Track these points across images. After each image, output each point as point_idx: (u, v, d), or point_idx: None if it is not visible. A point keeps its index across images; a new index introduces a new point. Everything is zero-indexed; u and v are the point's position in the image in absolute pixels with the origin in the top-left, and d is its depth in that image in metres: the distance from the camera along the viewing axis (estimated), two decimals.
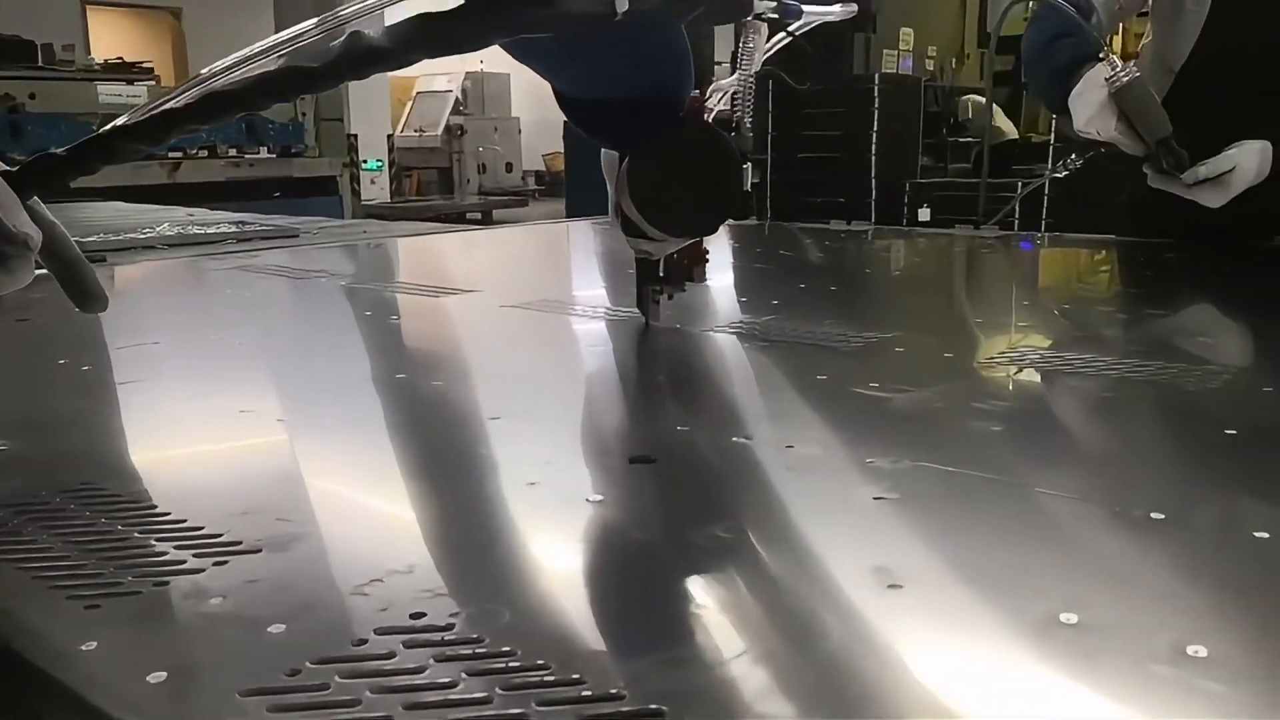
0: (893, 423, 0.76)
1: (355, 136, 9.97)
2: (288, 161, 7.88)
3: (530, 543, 0.55)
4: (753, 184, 0.89)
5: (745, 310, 1.28)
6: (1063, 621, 0.44)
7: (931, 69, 11.04)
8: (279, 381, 0.94)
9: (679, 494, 0.63)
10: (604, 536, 0.56)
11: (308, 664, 0.42)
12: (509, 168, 14.64)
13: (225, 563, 0.52)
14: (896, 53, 10.38)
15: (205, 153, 7.80)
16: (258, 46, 0.66)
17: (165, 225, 2.51)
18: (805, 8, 0.92)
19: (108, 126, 0.63)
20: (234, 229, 2.50)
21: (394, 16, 0.67)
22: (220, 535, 0.55)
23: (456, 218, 13.79)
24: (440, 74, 14.66)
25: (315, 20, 0.68)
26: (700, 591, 0.48)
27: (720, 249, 2.06)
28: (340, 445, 0.74)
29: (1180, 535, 0.54)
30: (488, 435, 0.76)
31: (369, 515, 0.60)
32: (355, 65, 0.65)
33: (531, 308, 1.26)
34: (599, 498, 0.60)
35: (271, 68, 0.64)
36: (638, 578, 0.51)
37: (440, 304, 1.34)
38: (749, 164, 0.90)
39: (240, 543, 0.54)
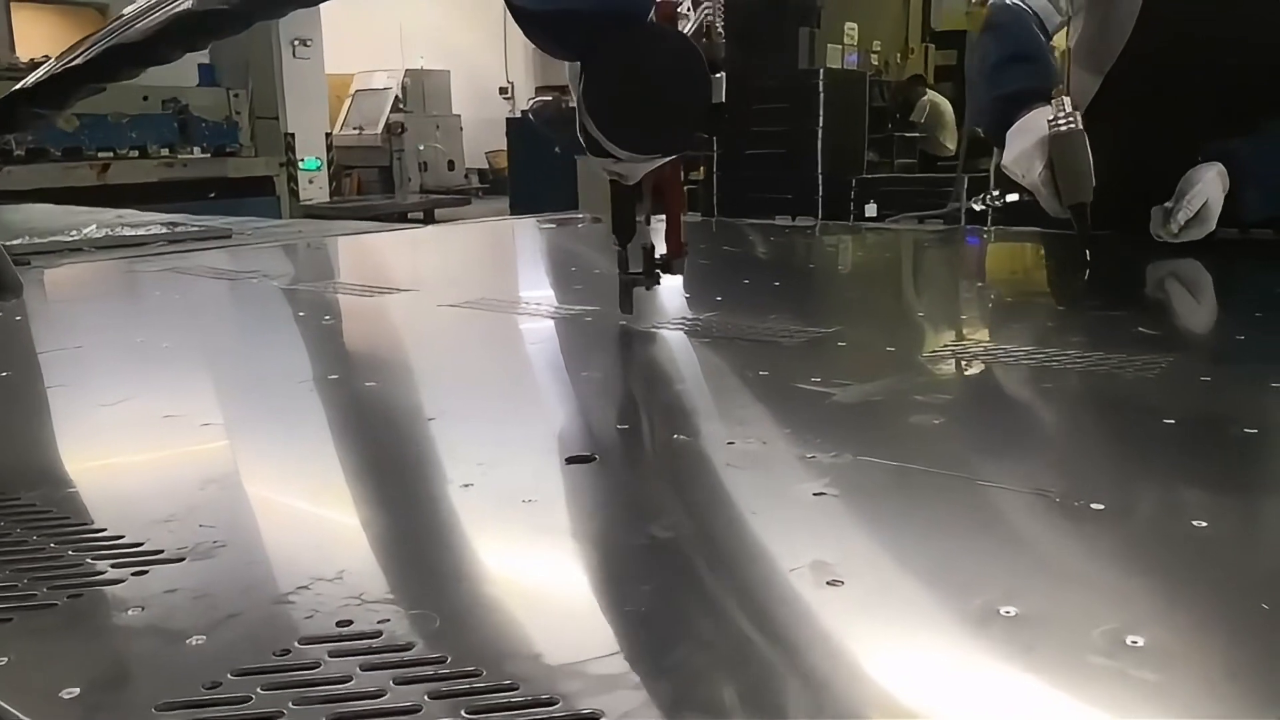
0: (834, 417, 0.75)
1: (292, 135, 9.83)
2: (222, 161, 7.76)
3: (463, 546, 0.54)
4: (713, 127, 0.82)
5: (689, 306, 1.27)
6: (1002, 614, 0.44)
7: (876, 64, 11.14)
8: (207, 385, 0.92)
9: (616, 493, 0.62)
10: (538, 539, 0.54)
11: (229, 675, 0.40)
12: (451, 166, 14.53)
13: (145, 572, 0.50)
14: (841, 47, 10.45)
15: (136, 153, 7.64)
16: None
17: (93, 227, 2.44)
18: None
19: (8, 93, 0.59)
20: (164, 230, 2.44)
21: None
22: (141, 544, 0.53)
23: (398, 217, 13.64)
24: (379, 71, 14.53)
25: None
26: (636, 593, 0.47)
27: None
28: (269, 449, 0.72)
29: (1119, 525, 0.54)
30: (423, 437, 0.74)
31: (297, 520, 0.58)
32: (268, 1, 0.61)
33: (470, 307, 1.24)
34: (534, 499, 0.59)
35: (183, 9, 0.59)
36: (572, 580, 0.50)
37: (376, 304, 1.32)
38: (721, 74, 0.83)
39: (161, 551, 0.52)
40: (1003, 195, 1.80)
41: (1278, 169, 1.59)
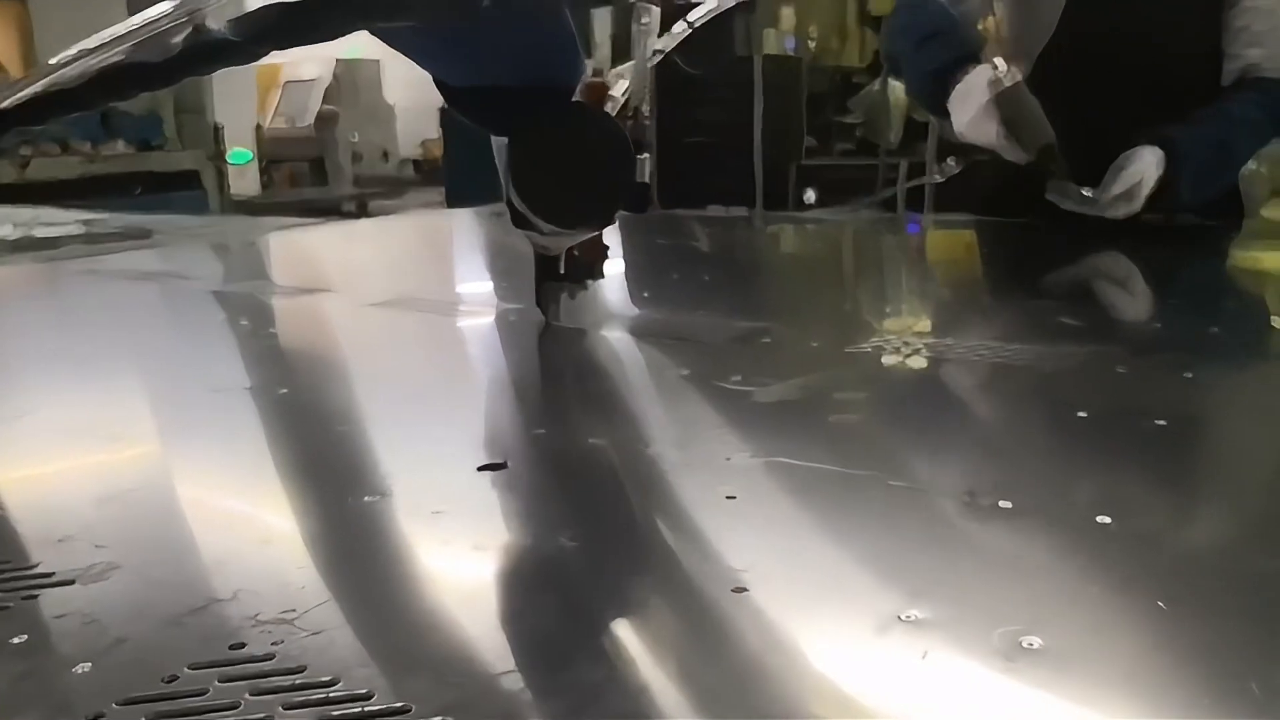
0: (752, 417, 0.75)
1: (221, 127, 9.64)
2: (146, 155, 7.57)
3: (364, 562, 0.53)
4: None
5: (614, 304, 1.26)
6: (903, 619, 0.44)
7: (814, 49, 11.18)
8: (114, 395, 0.89)
9: (527, 501, 0.61)
10: (443, 551, 0.53)
11: (113, 705, 0.39)
12: (385, 156, 14.35)
13: (34, 597, 0.48)
14: (778, 33, 10.49)
15: (58, 148, 7.43)
16: (105, 35, 0.59)
17: (8, 227, 2.38)
18: None
19: None
20: (82, 230, 2.38)
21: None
22: (33, 567, 0.51)
23: (331, 209, 13.44)
24: (309, 61, 14.29)
25: (171, 5, 0.59)
26: (539, 605, 0.46)
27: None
28: (174, 463, 0.70)
29: (1026, 523, 0.54)
30: (333, 447, 0.72)
31: (197, 538, 0.56)
32: (203, 59, 0.59)
33: (395, 306, 1.23)
34: (442, 510, 0.58)
35: (111, 62, 0.58)
36: (475, 593, 0.49)
37: (298, 305, 1.30)
38: (646, 154, 0.85)
39: (53, 574, 0.50)
40: (957, 162, 1.82)
41: (1209, 156, 1.62)
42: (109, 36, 0.59)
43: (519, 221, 0.84)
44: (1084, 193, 1.54)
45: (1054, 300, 1.25)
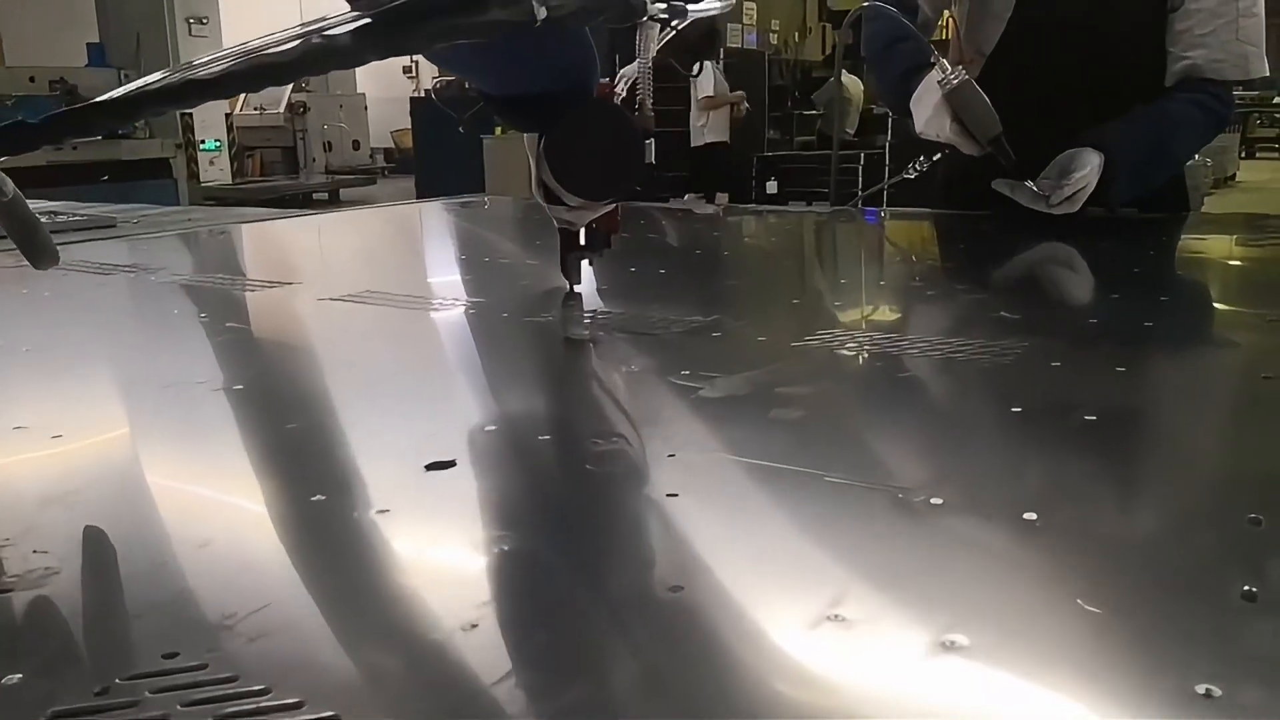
0: (698, 413, 0.76)
1: (190, 115, 9.54)
2: (115, 143, 7.50)
3: (305, 565, 0.53)
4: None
5: (571, 297, 1.27)
6: (831, 618, 0.45)
7: (775, 43, 11.23)
8: (64, 392, 0.89)
9: (472, 500, 0.62)
10: (385, 553, 0.54)
11: (40, 719, 0.39)
12: (356, 145, 14.27)
13: None
14: (741, 27, 10.52)
15: None
16: (238, 47, 0.73)
17: None
18: (690, 7, 1.01)
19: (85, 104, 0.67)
20: (46, 220, 2.35)
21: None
22: None
23: (302, 198, 13.37)
24: None
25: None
26: (477, 607, 0.47)
27: (551, 233, 2.05)
28: (120, 462, 0.70)
29: (955, 521, 0.55)
30: (281, 445, 0.73)
31: (139, 541, 0.56)
32: (316, 61, 0.71)
33: (353, 300, 1.23)
34: (389, 509, 0.58)
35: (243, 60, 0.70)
36: (414, 597, 0.50)
37: (261, 299, 1.29)
38: (651, 139, 1.02)
39: None
40: (926, 161, 1.90)
41: (1146, 155, 1.67)
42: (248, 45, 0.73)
43: (550, 199, 1.02)
44: (1031, 187, 1.60)
45: (997, 293, 1.27)
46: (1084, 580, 0.48)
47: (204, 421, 0.80)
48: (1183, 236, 1.77)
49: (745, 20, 10.58)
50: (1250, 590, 0.46)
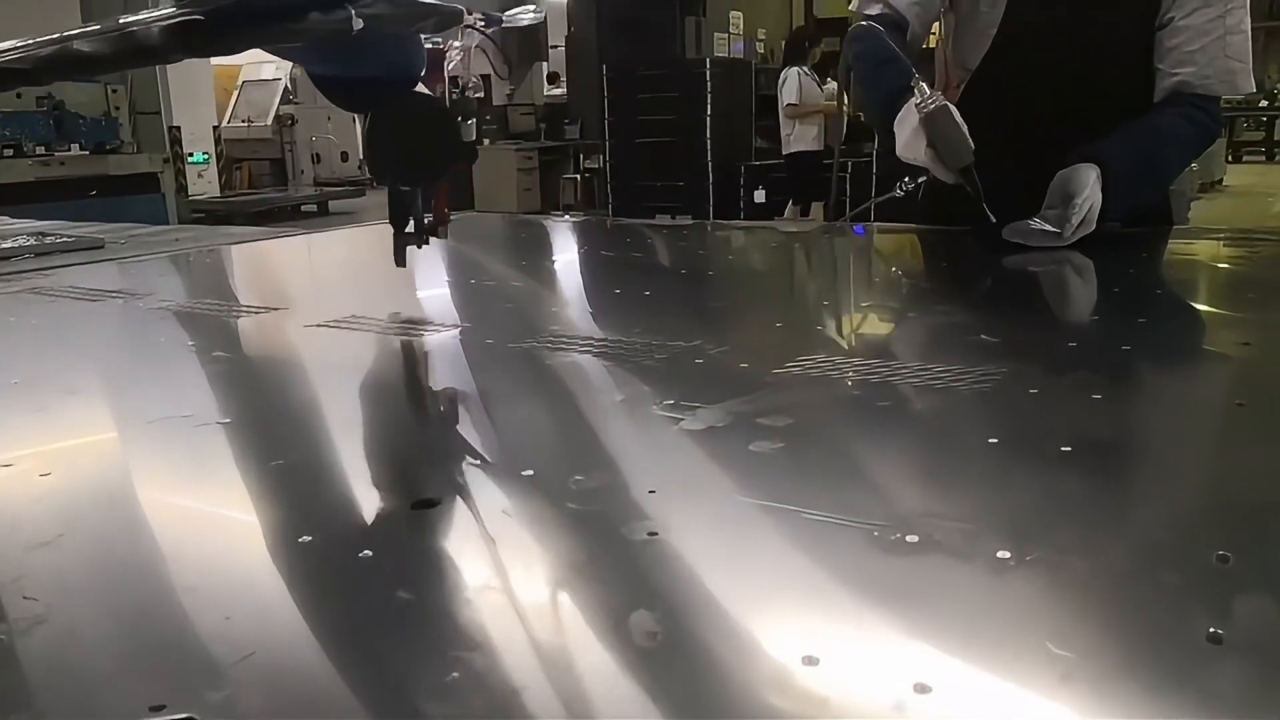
0: (679, 446, 0.77)
1: (178, 129, 9.53)
2: (103, 159, 7.48)
3: (290, 612, 0.54)
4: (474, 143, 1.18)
5: (555, 320, 1.28)
6: (804, 660, 0.46)
7: (762, 51, 11.28)
8: (49, 427, 0.89)
9: (455, 542, 0.63)
10: (369, 599, 0.54)
11: None
12: (344, 156, 14.27)
13: None
14: (727, 36, 10.56)
15: (10, 152, 7.35)
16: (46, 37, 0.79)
17: None
18: (503, 16, 1.18)
19: None
20: (32, 241, 2.36)
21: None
22: None
23: (291, 210, 13.35)
24: (266, 62, 14.18)
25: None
26: (460, 653, 0.48)
27: (538, 252, 2.06)
28: (106, 504, 0.70)
29: (929, 560, 0.56)
30: (267, 484, 0.74)
31: (126, 586, 0.57)
32: (132, 55, 0.81)
33: (339, 326, 1.23)
34: (370, 551, 0.59)
35: (55, 50, 0.77)
36: (399, 648, 0.50)
37: (249, 325, 1.30)
38: (473, 119, 1.19)
39: None
40: (912, 181, 1.93)
41: (1137, 171, 1.68)
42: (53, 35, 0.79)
43: (376, 173, 1.18)
44: (1041, 227, 1.60)
45: (978, 314, 1.28)
46: (1054, 622, 0.49)
47: (191, 459, 0.81)
48: (1164, 253, 1.79)
49: (732, 29, 10.63)
50: (1216, 633, 0.47)
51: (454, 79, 1.19)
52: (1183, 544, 0.58)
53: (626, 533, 0.61)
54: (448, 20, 1.06)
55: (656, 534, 0.60)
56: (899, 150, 1.71)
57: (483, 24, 1.15)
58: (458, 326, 1.25)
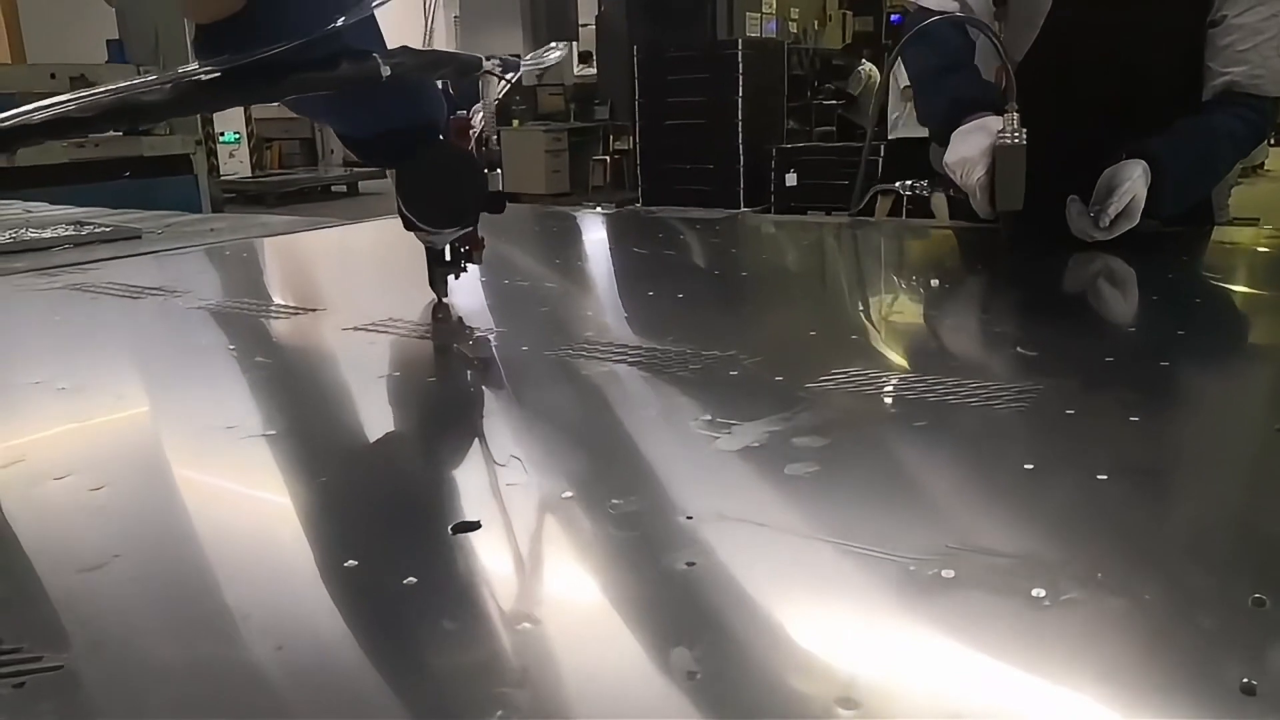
0: (715, 467, 0.78)
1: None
2: (136, 140, 7.53)
3: (340, 638, 0.55)
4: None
5: (589, 325, 1.29)
6: (842, 708, 0.47)
7: (794, 31, 11.19)
8: (95, 438, 0.91)
9: (498, 567, 0.64)
10: (413, 630, 0.56)
11: None
12: None
13: (22, 684, 0.50)
14: (760, 15, 10.48)
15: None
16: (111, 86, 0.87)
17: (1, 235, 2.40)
18: (522, 62, 1.21)
19: None
20: (71, 231, 2.40)
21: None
22: (15, 650, 0.53)
23: (321, 190, 13.43)
24: None
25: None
26: (502, 696, 0.49)
27: (568, 248, 2.07)
28: (155, 523, 0.72)
29: (964, 597, 0.57)
30: (311, 503, 0.75)
31: (175, 613, 0.59)
32: (185, 103, 0.91)
33: (376, 329, 1.25)
34: (414, 578, 0.61)
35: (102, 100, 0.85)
36: (445, 677, 0.52)
37: (289, 327, 1.32)
38: (500, 169, 1.22)
39: (40, 658, 0.52)
40: (931, 188, 1.93)
41: (1191, 168, 1.67)
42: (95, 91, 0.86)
43: (408, 224, 1.21)
44: (1089, 234, 1.61)
45: (1013, 322, 1.28)
46: (1088, 668, 0.50)
47: (235, 473, 0.82)
48: (1203, 257, 1.77)
49: (765, 8, 10.55)
50: (1250, 683, 0.47)
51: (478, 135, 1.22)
52: (1219, 586, 0.58)
53: (664, 561, 0.62)
54: (467, 68, 1.13)
55: (694, 563, 0.61)
56: (948, 159, 1.70)
57: (500, 69, 1.18)
58: (493, 331, 1.26)
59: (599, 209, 2.63)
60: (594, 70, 12.94)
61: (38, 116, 0.83)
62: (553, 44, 1.26)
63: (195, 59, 0.94)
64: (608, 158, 12.55)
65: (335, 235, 2.23)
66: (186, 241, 2.28)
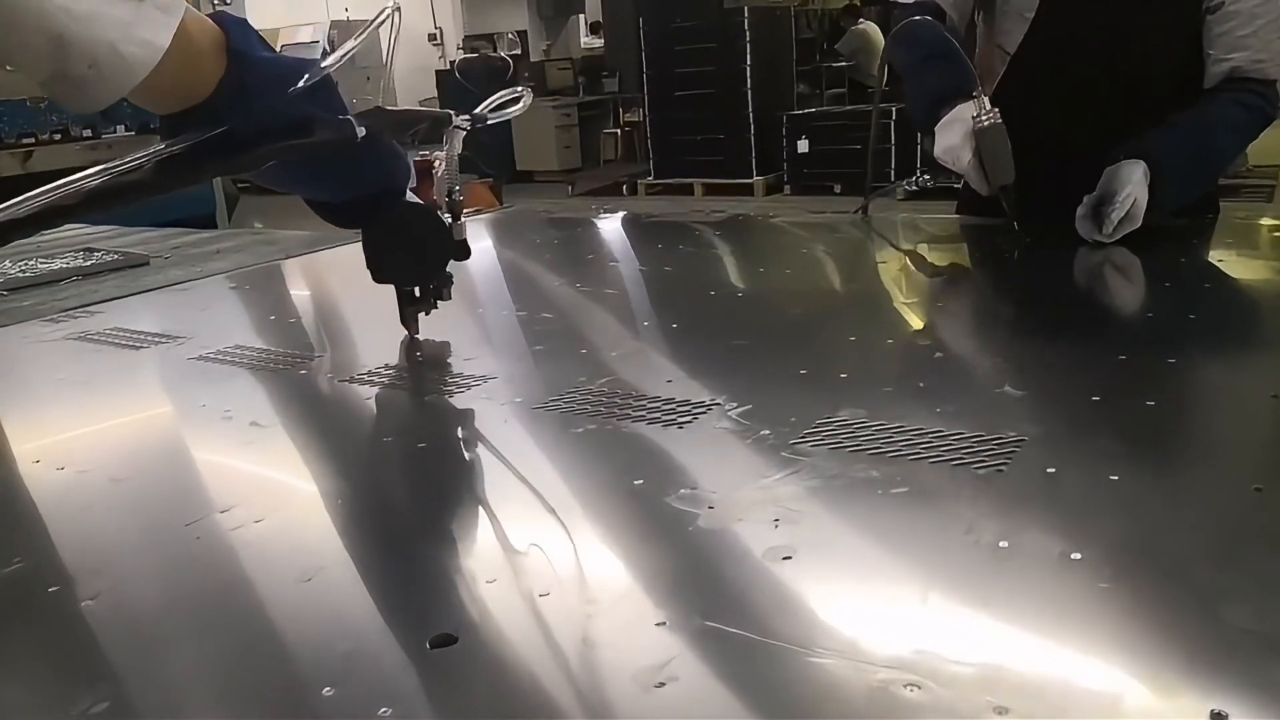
0: (693, 555, 0.78)
1: None
2: (148, 140, 7.53)
3: None
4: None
5: (583, 368, 1.28)
6: None
7: None
8: (84, 537, 0.91)
9: (472, 692, 0.64)
10: None
11: None
12: None
13: None
14: None
15: (59, 135, 7.51)
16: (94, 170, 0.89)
17: (6, 264, 2.42)
18: (490, 116, 1.26)
19: None
20: (79, 260, 2.43)
21: None
22: None
23: None
24: (304, 25, 14.21)
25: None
26: None
27: (567, 267, 2.03)
28: (141, 626, 0.73)
29: (935, 712, 0.57)
30: (292, 610, 0.75)
31: None
32: (167, 179, 0.93)
33: (371, 381, 1.26)
34: (390, 709, 0.61)
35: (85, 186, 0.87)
36: None
37: (278, 384, 1.31)
38: (463, 220, 1.30)
39: None
40: (933, 179, 1.95)
41: (1190, 164, 1.66)
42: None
43: (378, 279, 1.32)
44: (1093, 236, 1.62)
45: (1002, 352, 1.27)
46: None
47: (216, 570, 0.82)
48: (1206, 259, 1.75)
49: None
50: None
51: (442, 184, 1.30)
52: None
53: (639, 679, 0.62)
54: (439, 125, 1.20)
55: (675, 679, 0.62)
56: (938, 152, 1.72)
57: (468, 123, 1.23)
58: (485, 380, 1.24)
59: (604, 212, 2.63)
60: (602, 42, 12.84)
61: (23, 210, 0.85)
62: (518, 88, 1.29)
63: (162, 139, 0.96)
64: (619, 130, 12.47)
65: (338, 257, 2.23)
66: (193, 267, 2.30)
